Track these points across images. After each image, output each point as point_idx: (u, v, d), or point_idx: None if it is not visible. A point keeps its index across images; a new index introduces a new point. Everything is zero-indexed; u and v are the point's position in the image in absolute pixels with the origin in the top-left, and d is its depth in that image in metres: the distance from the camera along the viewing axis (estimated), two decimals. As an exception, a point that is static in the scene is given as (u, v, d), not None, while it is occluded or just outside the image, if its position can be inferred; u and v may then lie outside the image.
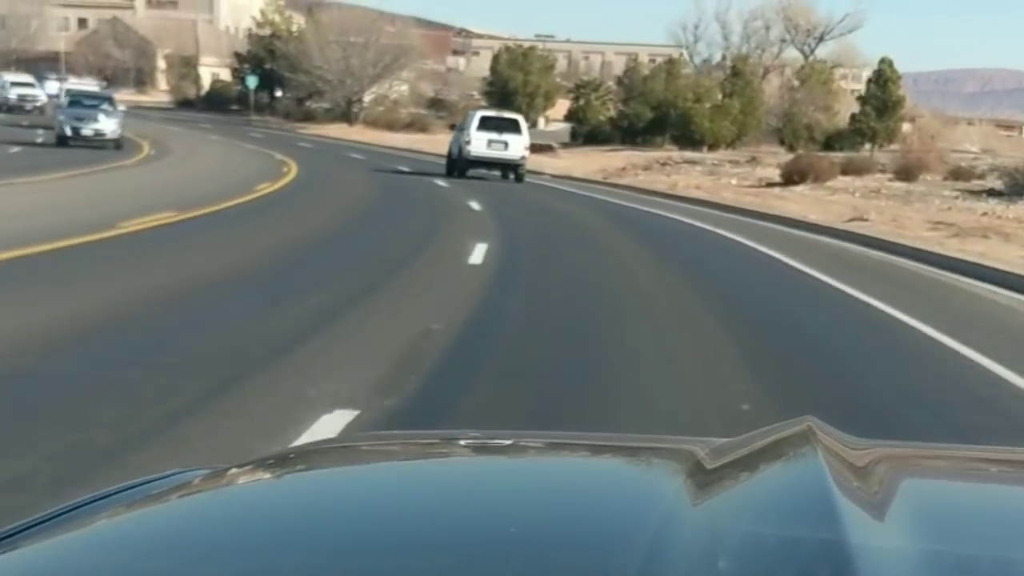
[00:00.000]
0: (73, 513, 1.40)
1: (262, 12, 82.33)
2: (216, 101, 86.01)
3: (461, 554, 1.19)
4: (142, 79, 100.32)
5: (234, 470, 1.54)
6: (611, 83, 74.60)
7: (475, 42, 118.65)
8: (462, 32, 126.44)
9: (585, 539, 1.21)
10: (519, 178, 34.99)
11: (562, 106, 79.56)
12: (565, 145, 64.96)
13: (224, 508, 1.42)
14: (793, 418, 1.58)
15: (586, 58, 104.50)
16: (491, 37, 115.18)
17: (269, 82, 77.28)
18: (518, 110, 48.95)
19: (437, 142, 52.40)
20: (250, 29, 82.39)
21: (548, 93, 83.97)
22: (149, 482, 1.54)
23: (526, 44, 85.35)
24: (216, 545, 1.26)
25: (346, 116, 73.65)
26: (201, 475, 1.56)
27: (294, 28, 77.99)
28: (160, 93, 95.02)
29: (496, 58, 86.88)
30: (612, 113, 67.23)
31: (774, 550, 1.12)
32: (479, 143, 34.44)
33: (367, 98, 76.33)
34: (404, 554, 1.19)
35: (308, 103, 79.93)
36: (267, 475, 1.60)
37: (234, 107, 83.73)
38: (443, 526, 1.28)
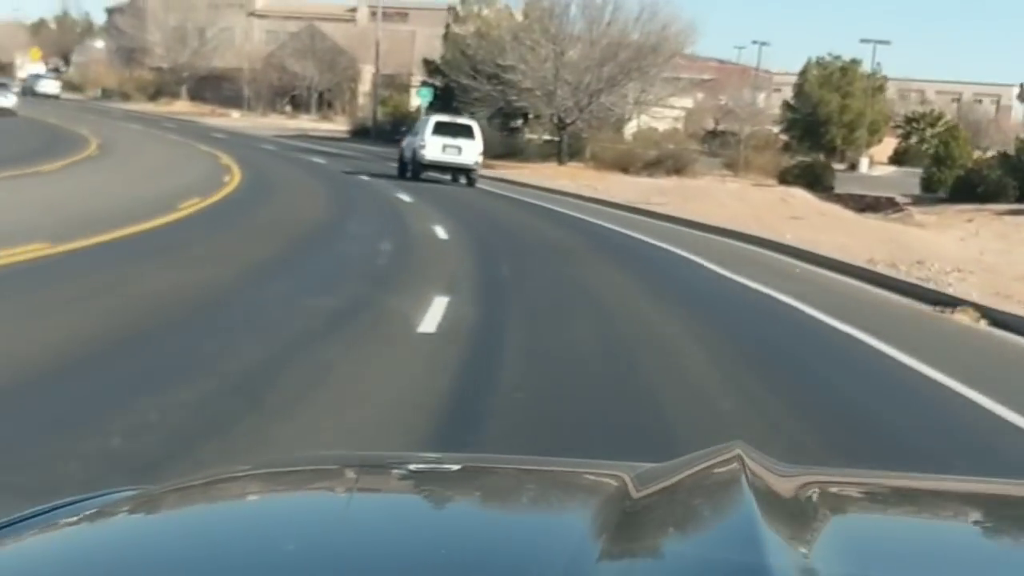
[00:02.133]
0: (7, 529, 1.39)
1: (463, 1, 56.96)
2: (393, 128, 61.50)
3: None
4: (330, 101, 77.31)
5: (161, 492, 1.56)
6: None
7: (776, 78, 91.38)
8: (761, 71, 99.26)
9: (503, 568, 1.21)
10: (471, 182, 34.85)
11: (887, 145, 64.79)
12: (915, 200, 42.41)
13: (135, 532, 1.42)
14: (722, 444, 1.58)
15: (903, 97, 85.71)
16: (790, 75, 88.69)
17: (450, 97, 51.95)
18: (831, 145, 47.85)
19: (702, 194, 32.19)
20: (447, 26, 57.34)
21: (874, 125, 64.40)
22: (77, 502, 1.53)
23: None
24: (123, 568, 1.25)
25: (558, 149, 46.86)
26: (127, 496, 1.56)
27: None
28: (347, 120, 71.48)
29: (803, 74, 61.10)
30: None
31: (696, 574, 1.11)
32: (434, 147, 34.32)
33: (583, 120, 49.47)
34: None
35: (519, 129, 54.00)
36: (194, 498, 1.59)
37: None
38: (354, 554, 1.28)
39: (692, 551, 1.17)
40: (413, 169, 34.92)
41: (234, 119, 73.89)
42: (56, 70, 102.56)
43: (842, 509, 1.53)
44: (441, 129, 34.76)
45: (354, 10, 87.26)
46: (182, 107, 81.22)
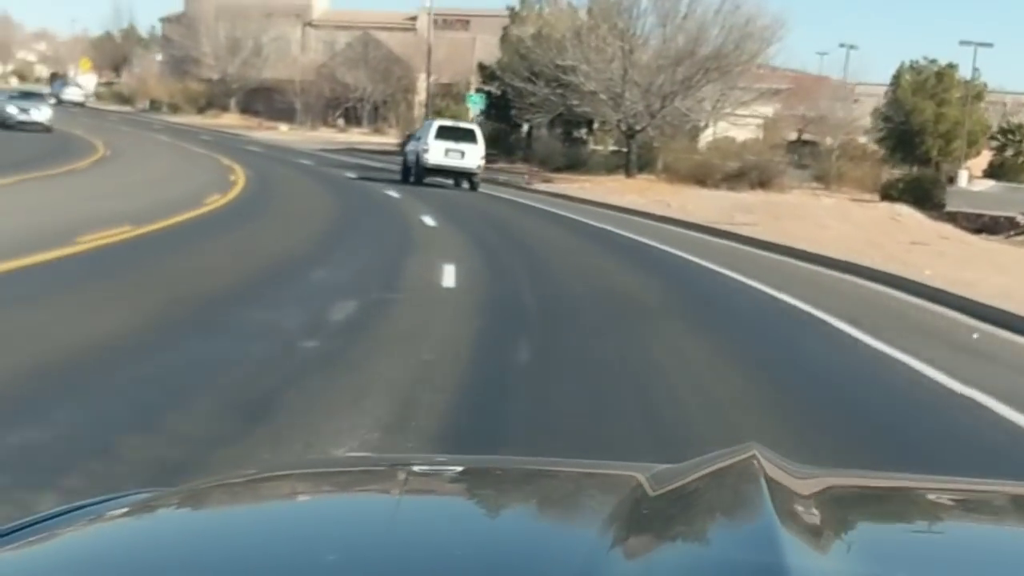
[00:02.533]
0: (13, 536, 1.39)
1: (523, 1, 52.01)
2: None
3: None
4: (385, 113, 72.80)
5: (181, 494, 1.57)
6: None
7: (859, 89, 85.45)
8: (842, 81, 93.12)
9: (522, 569, 1.21)
10: (473, 187, 34.86)
11: (982, 158, 58.42)
12: (1038, 218, 36.02)
13: (157, 533, 1.43)
14: (737, 446, 1.57)
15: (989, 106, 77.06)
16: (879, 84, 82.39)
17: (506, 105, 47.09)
18: (926, 156, 43.28)
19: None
20: (505, 28, 52.42)
21: (972, 135, 58.03)
22: (100, 503, 1.54)
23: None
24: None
25: (625, 161, 41.65)
26: (149, 498, 1.56)
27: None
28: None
29: (897, 80, 55.96)
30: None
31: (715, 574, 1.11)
32: (437, 151, 34.35)
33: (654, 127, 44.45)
34: None
35: (582, 139, 48.93)
36: (216, 500, 1.59)
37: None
38: (372, 556, 1.28)
39: (711, 551, 1.17)
40: (416, 173, 35.04)
41: (282, 132, 69.58)
42: (109, 83, 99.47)
43: (859, 510, 1.53)
44: (444, 133, 34.96)
45: (414, 19, 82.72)
46: (230, 120, 77.18)
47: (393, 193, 29.58)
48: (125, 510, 1.50)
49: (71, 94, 79.53)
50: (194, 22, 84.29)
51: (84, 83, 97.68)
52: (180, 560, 1.26)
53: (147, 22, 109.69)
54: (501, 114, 52.69)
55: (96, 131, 48.08)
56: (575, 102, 40.68)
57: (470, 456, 3.29)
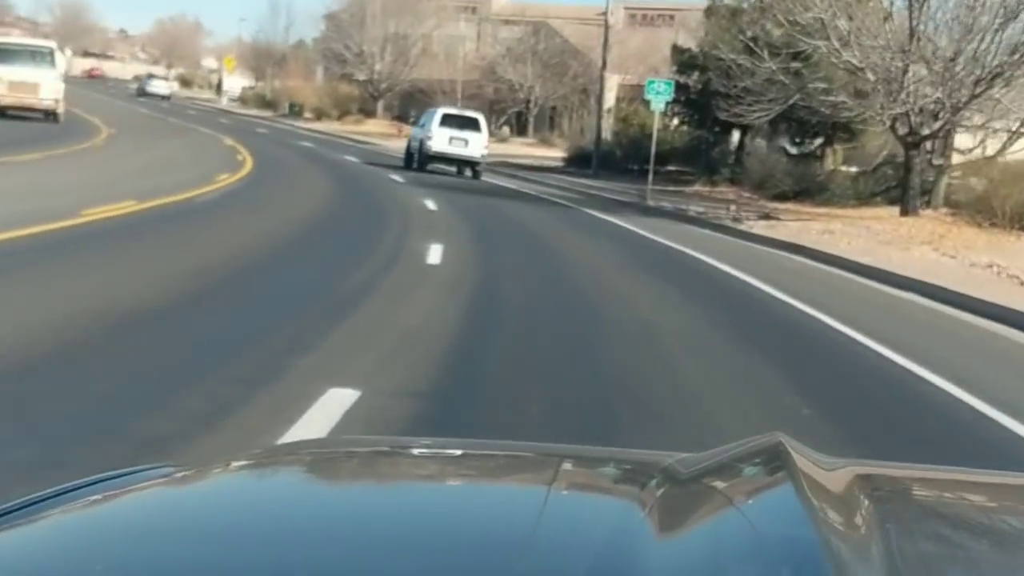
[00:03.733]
0: (39, 506, 1.39)
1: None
2: (627, 153, 41.60)
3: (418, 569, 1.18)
4: (559, 119, 58.22)
5: (191, 472, 1.57)
6: None
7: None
8: None
9: (554, 550, 1.20)
10: (476, 175, 34.72)
11: None
12: None
13: (165, 509, 1.43)
14: (761, 435, 1.57)
15: None
16: None
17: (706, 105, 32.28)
18: None
19: None
20: (708, 9, 37.42)
21: None
22: (120, 476, 1.53)
23: None
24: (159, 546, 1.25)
25: (902, 185, 25.60)
26: (161, 474, 1.54)
27: None
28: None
29: None
30: None
31: (743, 571, 1.10)
32: (440, 139, 34.54)
33: (961, 141, 28.59)
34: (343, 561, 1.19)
35: (817, 154, 33.66)
36: (231, 476, 1.58)
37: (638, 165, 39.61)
38: (394, 536, 1.27)
39: (740, 540, 1.16)
40: (419, 160, 35.18)
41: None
42: (253, 87, 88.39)
43: (889, 503, 1.52)
44: (448, 121, 35.01)
45: (603, 14, 67.86)
46: (372, 127, 64.08)
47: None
48: (132, 487, 1.48)
49: (157, 87, 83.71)
50: (356, 18, 71.60)
51: (229, 85, 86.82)
52: (175, 538, 1.26)
53: (313, 20, 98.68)
54: (700, 116, 37.51)
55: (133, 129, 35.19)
56: (820, 84, 25.05)
57: (491, 441, 2.98)
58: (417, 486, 1.59)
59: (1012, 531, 1.50)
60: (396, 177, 31.23)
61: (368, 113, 69.31)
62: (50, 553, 1.24)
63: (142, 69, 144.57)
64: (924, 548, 1.32)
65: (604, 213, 24.96)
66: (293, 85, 76.97)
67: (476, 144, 34.78)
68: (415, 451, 1.85)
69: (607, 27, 41.99)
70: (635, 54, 58.95)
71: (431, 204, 22.56)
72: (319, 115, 70.41)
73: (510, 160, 45.25)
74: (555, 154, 49.48)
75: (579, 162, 43.23)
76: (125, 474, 1.54)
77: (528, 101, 59.78)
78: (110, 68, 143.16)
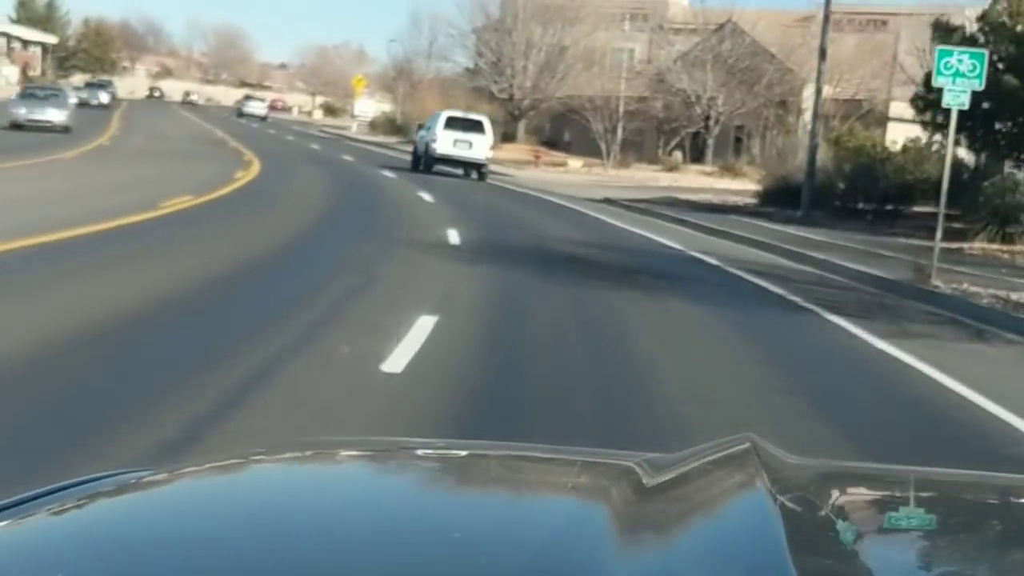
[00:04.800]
0: (13, 510, 1.38)
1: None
2: (849, 189, 27.80)
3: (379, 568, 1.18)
4: (748, 140, 44.56)
5: (158, 476, 1.55)
6: None
7: None
8: None
9: (519, 555, 1.20)
10: (481, 177, 35.20)
11: None
12: None
13: (138, 514, 1.42)
14: (732, 436, 1.54)
15: None
16: None
17: None
18: None
19: None
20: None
21: None
22: (86, 482, 1.52)
23: None
24: (130, 549, 1.25)
25: None
26: (131, 478, 1.54)
27: None
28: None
29: None
30: None
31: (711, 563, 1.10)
32: (445, 142, 34.92)
33: None
34: (317, 560, 1.19)
35: None
36: (200, 481, 1.57)
37: (925, 207, 25.73)
38: (364, 534, 1.28)
39: (706, 541, 1.16)
40: (425, 163, 35.58)
41: (567, 171, 43.13)
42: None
43: (853, 500, 1.54)
44: (452, 124, 35.44)
45: (807, 19, 53.58)
46: (508, 152, 51.58)
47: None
48: (114, 489, 1.47)
49: (252, 108, 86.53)
50: (500, 27, 59.50)
51: (361, 108, 75.88)
52: (160, 542, 1.24)
53: (460, 34, 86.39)
54: (983, 131, 23.75)
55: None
56: None
57: (461, 441, 3.11)
58: (371, 488, 1.55)
59: (978, 528, 1.49)
60: (451, 238, 18.63)
61: (508, 136, 56.91)
62: (14, 560, 1.23)
63: (300, 99, 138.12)
64: (890, 547, 1.32)
65: (894, 341, 10.60)
66: (427, 105, 65.15)
67: (480, 146, 34.98)
68: (369, 452, 1.84)
69: (823, 47, 28.19)
70: (844, 63, 45.09)
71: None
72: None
73: (683, 196, 32.10)
74: (742, 186, 36.09)
75: (780, 198, 29.58)
76: (100, 478, 1.52)
77: (707, 118, 46.28)
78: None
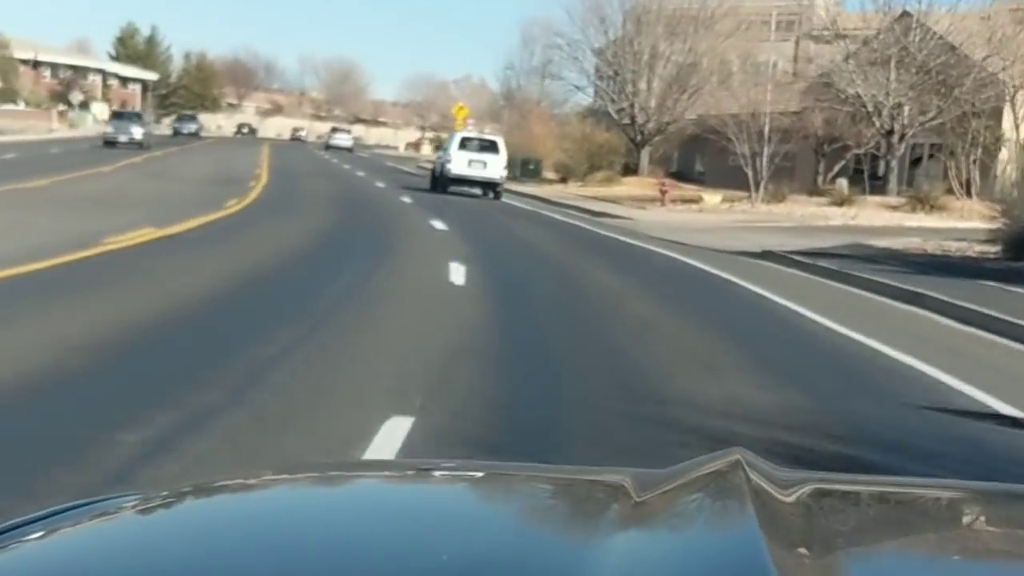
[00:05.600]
0: (9, 534, 1.39)
1: None
2: None
3: None
4: (944, 162, 33.97)
5: (163, 498, 1.54)
6: None
7: None
8: None
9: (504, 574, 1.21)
10: (496, 196, 35.09)
11: None
12: None
13: (135, 537, 1.42)
14: (721, 450, 1.55)
15: None
16: None
17: None
18: None
19: None
20: None
21: None
22: (78, 507, 1.52)
23: None
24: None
25: None
26: (128, 501, 1.54)
27: None
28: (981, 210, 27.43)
29: None
30: None
31: None
32: (459, 162, 35.20)
33: None
34: None
35: None
36: (200, 504, 1.57)
37: None
38: (356, 557, 1.28)
39: (692, 559, 1.16)
40: (441, 184, 35.57)
41: (703, 208, 33.22)
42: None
43: (843, 514, 1.54)
44: (467, 144, 35.89)
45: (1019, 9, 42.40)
46: (628, 188, 41.93)
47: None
48: (116, 512, 1.48)
49: (338, 140, 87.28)
50: (625, 42, 49.85)
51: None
52: (161, 564, 1.26)
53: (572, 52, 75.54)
54: None
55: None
56: None
57: (450, 461, 2.92)
58: (363, 509, 1.55)
59: (971, 541, 1.48)
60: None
61: (628, 168, 47.19)
62: None
63: (411, 134, 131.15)
64: (879, 563, 1.32)
65: None
66: (535, 134, 55.80)
67: (495, 166, 35.28)
68: (362, 474, 1.86)
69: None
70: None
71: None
72: (564, 173, 48.95)
73: (876, 242, 22.09)
74: (947, 223, 25.75)
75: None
76: (87, 503, 1.53)
77: (889, 132, 35.56)
78: (380, 135, 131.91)
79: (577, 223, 25.99)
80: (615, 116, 46.86)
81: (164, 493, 1.55)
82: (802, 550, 1.20)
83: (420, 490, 1.70)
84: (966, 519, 1.62)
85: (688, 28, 47.74)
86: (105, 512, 1.47)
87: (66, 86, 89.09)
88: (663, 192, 33.14)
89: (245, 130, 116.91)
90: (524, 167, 51.20)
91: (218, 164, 39.39)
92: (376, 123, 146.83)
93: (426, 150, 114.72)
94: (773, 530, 1.19)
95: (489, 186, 35.32)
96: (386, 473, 1.89)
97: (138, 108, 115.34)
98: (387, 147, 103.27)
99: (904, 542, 1.45)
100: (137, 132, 51.57)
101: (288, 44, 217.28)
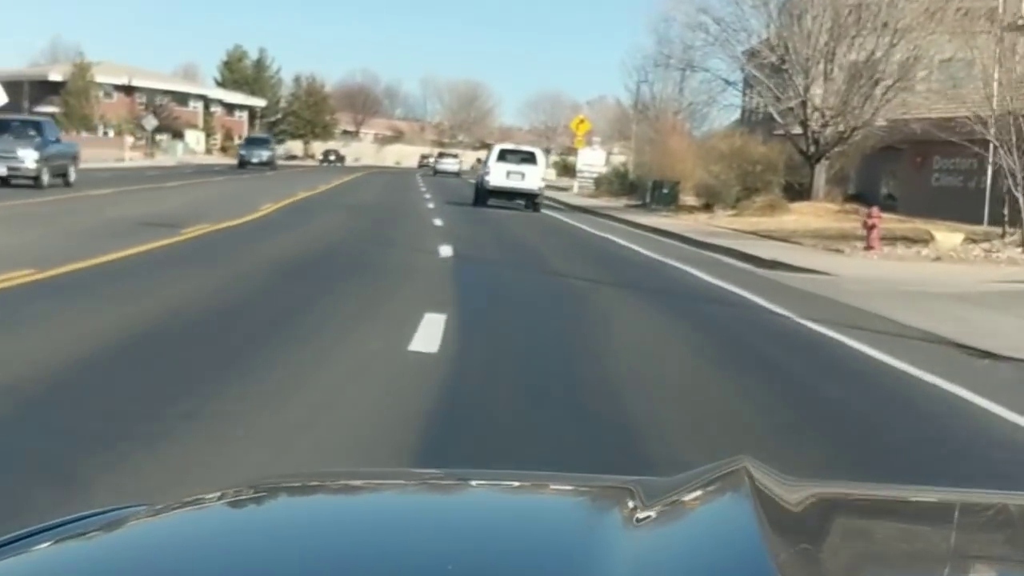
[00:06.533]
0: (8, 548, 1.38)
1: None
2: None
3: None
4: None
5: (166, 509, 1.54)
6: None
7: None
8: None
9: None
10: (535, 208, 34.78)
11: None
12: None
13: (140, 548, 1.41)
14: (728, 459, 1.54)
15: None
16: None
17: None
18: None
19: None
20: None
21: None
22: (84, 518, 1.52)
23: None
24: None
25: None
26: (133, 512, 1.54)
27: None
28: None
29: None
30: None
31: None
32: (498, 174, 35.00)
33: None
34: None
35: None
36: (207, 512, 1.57)
37: None
38: (359, 566, 1.28)
39: (699, 567, 1.16)
40: (481, 196, 35.56)
41: (937, 252, 20.98)
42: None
43: (849, 522, 1.53)
44: (505, 156, 35.74)
45: None
46: (805, 216, 30.14)
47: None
48: (123, 522, 1.47)
49: (445, 165, 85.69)
50: (797, 27, 37.89)
51: (587, 160, 56.28)
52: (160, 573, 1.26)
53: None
54: None
55: None
56: None
57: (456, 470, 2.89)
58: (367, 518, 1.54)
59: (977, 551, 1.46)
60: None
61: (794, 190, 35.35)
62: None
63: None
64: (885, 572, 1.31)
65: None
66: (670, 150, 44.24)
67: (533, 177, 34.97)
68: (365, 483, 1.85)
69: None
70: None
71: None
72: (708, 198, 37.45)
73: None
74: None
75: None
76: (92, 515, 1.53)
77: None
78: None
79: (742, 292, 14.50)
80: (779, 120, 34.96)
81: (167, 505, 1.53)
82: (808, 559, 1.20)
83: (426, 499, 1.68)
84: (973, 528, 1.58)
85: (860, 23, 35.79)
86: (112, 523, 1.45)
87: (154, 110, 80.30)
88: (870, 228, 21.31)
89: (332, 157, 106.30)
90: (656, 192, 39.68)
91: (208, 198, 29.18)
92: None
93: (549, 174, 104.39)
94: (779, 539, 1.19)
95: (527, 197, 34.92)
96: (393, 482, 1.85)
97: (246, 136, 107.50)
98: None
99: (910, 551, 1.42)
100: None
101: (410, 67, 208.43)
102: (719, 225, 28.46)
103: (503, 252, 18.98)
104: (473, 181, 41.44)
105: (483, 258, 17.44)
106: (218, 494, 1.60)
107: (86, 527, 1.45)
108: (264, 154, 65.52)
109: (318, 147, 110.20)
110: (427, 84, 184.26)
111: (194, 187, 35.17)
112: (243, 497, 1.61)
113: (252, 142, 70.67)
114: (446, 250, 17.51)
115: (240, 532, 1.45)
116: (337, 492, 1.71)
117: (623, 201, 43.89)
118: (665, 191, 39.03)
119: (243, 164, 62.65)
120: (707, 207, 37.72)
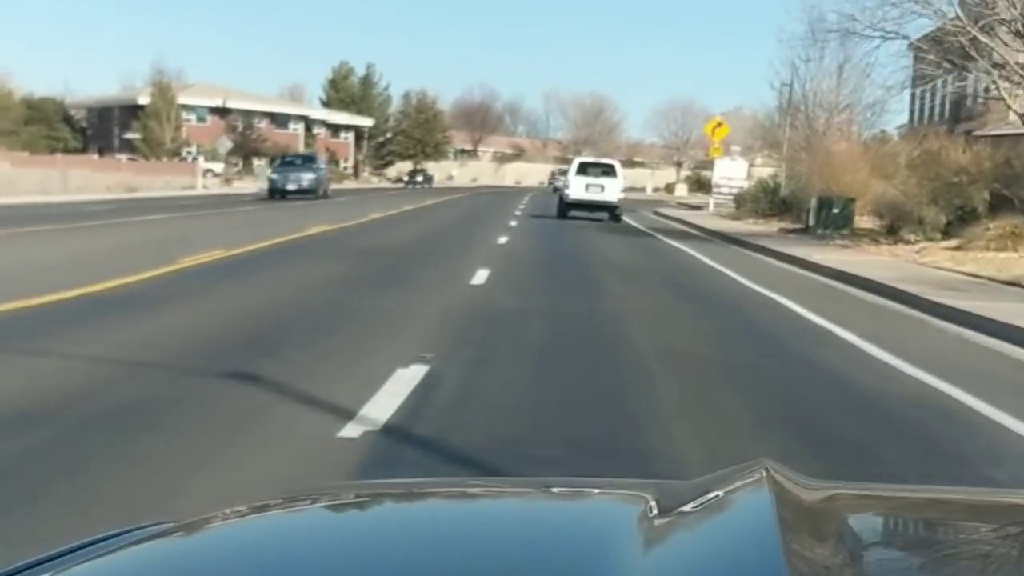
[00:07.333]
0: (45, 565, 1.38)
1: None
2: None
3: None
4: None
5: (194, 524, 1.54)
6: None
7: None
8: None
9: None
10: (616, 219, 35.35)
11: None
12: None
13: (170, 565, 1.42)
14: (749, 462, 1.53)
15: None
16: None
17: None
18: None
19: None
20: None
21: None
22: (114, 536, 1.51)
23: None
24: None
25: None
26: (167, 528, 1.54)
27: None
28: None
29: None
30: None
31: None
32: (577, 187, 35.72)
33: None
34: None
35: None
36: (238, 526, 1.57)
37: None
38: (389, 573, 1.29)
39: (719, 572, 1.16)
40: (560, 209, 36.25)
41: None
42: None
43: (870, 525, 1.52)
44: (584, 169, 36.23)
45: None
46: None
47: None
48: (150, 540, 1.47)
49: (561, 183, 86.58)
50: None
51: (725, 173, 46.60)
52: None
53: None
54: None
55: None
56: None
57: (474, 477, 3.05)
58: (392, 529, 1.54)
59: (998, 552, 1.44)
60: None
61: (994, 208, 25.15)
62: None
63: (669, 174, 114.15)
64: (906, 574, 1.29)
65: None
66: (834, 158, 34.28)
67: (612, 189, 35.42)
68: (389, 492, 1.84)
69: None
70: None
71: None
72: (893, 219, 27.60)
73: None
74: None
75: None
76: (124, 532, 1.52)
77: None
78: (635, 176, 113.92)
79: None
80: (1016, 112, 24.87)
81: (183, 523, 1.53)
82: (828, 562, 1.19)
83: (443, 506, 1.68)
84: (996, 529, 1.55)
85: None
86: (140, 540, 1.45)
87: (235, 132, 72.99)
88: None
89: (419, 178, 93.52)
90: (824, 212, 29.71)
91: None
92: (631, 163, 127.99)
93: (680, 190, 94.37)
94: (799, 542, 1.19)
95: (607, 209, 35.53)
96: (417, 491, 1.84)
97: (350, 160, 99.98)
98: (631, 189, 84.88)
99: (931, 553, 1.40)
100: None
101: (531, 81, 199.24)
102: (944, 266, 18.58)
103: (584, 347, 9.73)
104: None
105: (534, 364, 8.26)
106: (248, 507, 1.58)
107: (119, 544, 1.42)
108: (306, 178, 46.84)
109: (433, 167, 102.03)
110: (550, 99, 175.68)
111: (126, 227, 25.21)
112: (275, 511, 1.61)
113: (288, 164, 50.06)
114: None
115: (273, 546, 1.42)
116: (365, 503, 1.70)
117: (775, 224, 34.10)
118: (836, 210, 29.13)
119: (275, 193, 45.31)
120: (891, 231, 27.85)
